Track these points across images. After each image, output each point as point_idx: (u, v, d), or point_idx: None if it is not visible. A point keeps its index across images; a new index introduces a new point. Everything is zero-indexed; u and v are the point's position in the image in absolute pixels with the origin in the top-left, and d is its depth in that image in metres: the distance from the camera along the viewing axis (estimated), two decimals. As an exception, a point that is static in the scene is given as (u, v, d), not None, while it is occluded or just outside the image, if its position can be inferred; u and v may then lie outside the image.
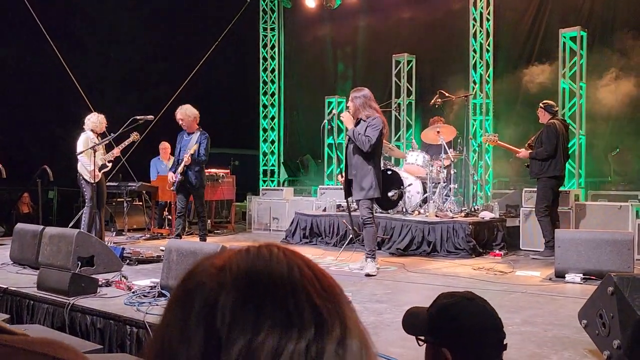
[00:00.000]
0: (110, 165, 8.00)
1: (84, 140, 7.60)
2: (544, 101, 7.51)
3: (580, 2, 9.71)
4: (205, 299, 0.58)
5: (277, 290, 0.58)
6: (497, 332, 1.73)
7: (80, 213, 8.79)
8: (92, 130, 7.70)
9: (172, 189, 7.60)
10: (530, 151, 7.37)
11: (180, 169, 7.38)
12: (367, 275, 5.92)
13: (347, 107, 6.10)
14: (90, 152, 7.35)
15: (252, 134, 13.93)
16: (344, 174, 6.30)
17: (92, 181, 7.49)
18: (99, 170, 7.66)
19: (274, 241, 0.66)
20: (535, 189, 7.71)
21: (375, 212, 8.44)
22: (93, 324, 4.26)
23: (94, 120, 7.73)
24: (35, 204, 10.48)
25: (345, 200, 7.00)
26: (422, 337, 1.77)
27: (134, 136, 8.07)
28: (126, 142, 8.01)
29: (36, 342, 0.74)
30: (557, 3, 9.98)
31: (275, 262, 0.61)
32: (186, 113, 7.44)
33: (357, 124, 6.02)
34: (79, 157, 7.56)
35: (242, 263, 0.61)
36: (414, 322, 1.85)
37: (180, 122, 7.50)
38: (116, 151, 7.99)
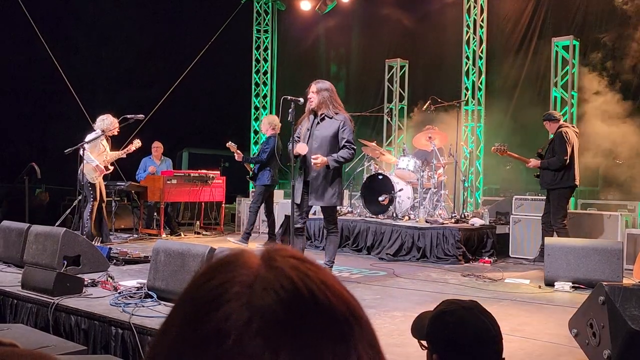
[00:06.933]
0: (112, 168, 7.94)
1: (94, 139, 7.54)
2: (544, 113, 7.50)
3: (573, 11, 9.75)
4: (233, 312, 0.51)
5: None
6: (492, 344, 1.68)
7: (67, 211, 8.71)
8: (102, 131, 7.63)
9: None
10: (542, 160, 7.17)
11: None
12: None
13: (310, 99, 5.40)
14: (95, 149, 7.38)
15: (243, 135, 13.87)
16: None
17: (83, 179, 7.48)
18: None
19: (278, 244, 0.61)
20: (527, 197, 7.71)
21: (366, 217, 8.45)
22: (77, 325, 4.19)
23: (108, 123, 7.66)
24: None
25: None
26: (424, 342, 1.77)
27: (136, 143, 8.08)
28: (132, 148, 8.03)
29: (23, 355, 0.72)
30: (550, 12, 10.01)
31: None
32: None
33: (321, 119, 5.42)
34: (85, 155, 7.49)
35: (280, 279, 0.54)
36: (418, 326, 1.84)
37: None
38: (120, 153, 7.98)
